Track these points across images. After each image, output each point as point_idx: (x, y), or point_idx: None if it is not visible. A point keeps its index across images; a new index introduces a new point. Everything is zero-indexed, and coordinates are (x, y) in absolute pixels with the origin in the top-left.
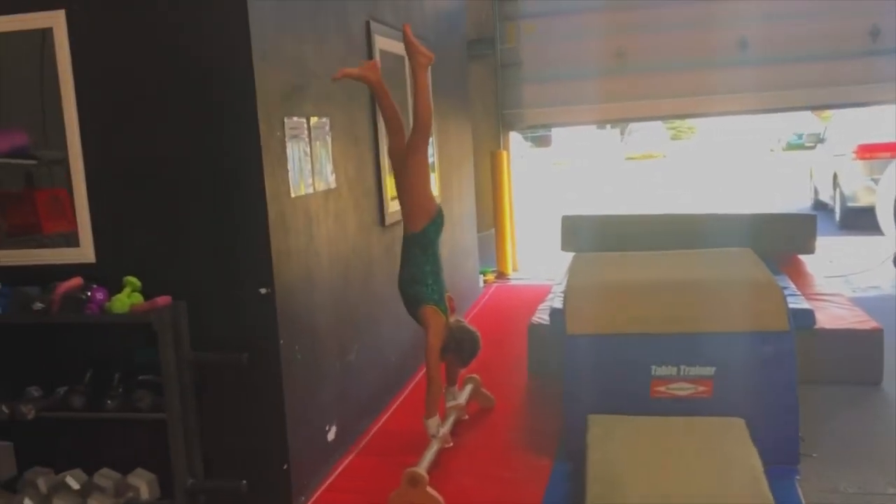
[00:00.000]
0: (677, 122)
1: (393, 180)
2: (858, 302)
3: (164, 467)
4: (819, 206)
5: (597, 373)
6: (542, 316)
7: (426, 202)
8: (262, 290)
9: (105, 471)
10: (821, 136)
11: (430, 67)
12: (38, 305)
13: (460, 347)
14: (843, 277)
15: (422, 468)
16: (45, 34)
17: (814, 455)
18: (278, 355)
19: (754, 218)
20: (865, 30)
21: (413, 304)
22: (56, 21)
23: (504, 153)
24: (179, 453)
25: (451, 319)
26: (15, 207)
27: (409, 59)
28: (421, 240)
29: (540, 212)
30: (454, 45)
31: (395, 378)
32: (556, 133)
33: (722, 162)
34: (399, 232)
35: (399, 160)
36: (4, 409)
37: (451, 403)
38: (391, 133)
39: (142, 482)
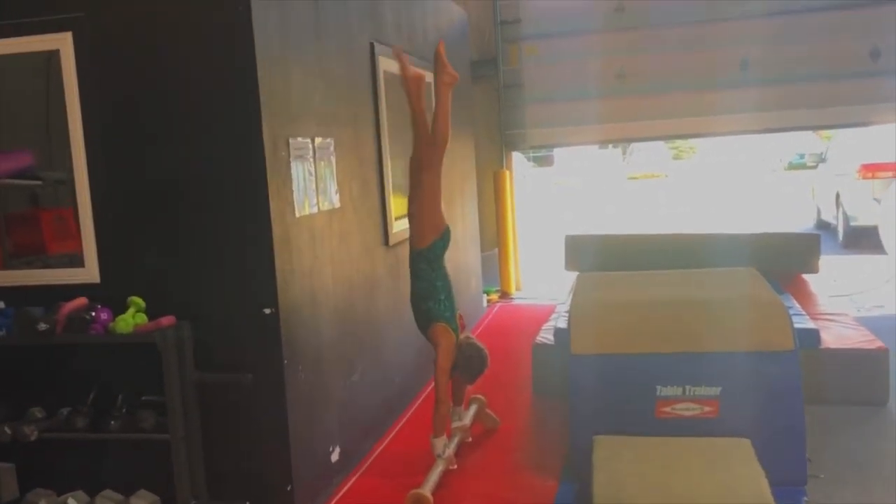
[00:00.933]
0: (679, 142)
1: (398, 200)
2: (863, 321)
3: (168, 488)
4: (822, 225)
5: (602, 393)
6: (546, 336)
7: (437, 218)
8: (266, 311)
9: (107, 492)
10: (822, 156)
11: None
12: (43, 326)
13: (469, 364)
14: (847, 297)
15: (426, 490)
16: (52, 56)
17: (821, 476)
18: (282, 376)
19: (757, 237)
20: (866, 51)
21: (425, 320)
22: (63, 43)
23: (507, 173)
24: (183, 474)
25: (461, 336)
26: (20, 228)
27: (436, 76)
28: (427, 255)
29: (543, 231)
30: (457, 67)
31: (399, 399)
32: (559, 153)
33: (724, 182)
34: (403, 252)
35: (417, 172)
36: (7, 430)
37: (456, 424)
38: (417, 141)
39: None
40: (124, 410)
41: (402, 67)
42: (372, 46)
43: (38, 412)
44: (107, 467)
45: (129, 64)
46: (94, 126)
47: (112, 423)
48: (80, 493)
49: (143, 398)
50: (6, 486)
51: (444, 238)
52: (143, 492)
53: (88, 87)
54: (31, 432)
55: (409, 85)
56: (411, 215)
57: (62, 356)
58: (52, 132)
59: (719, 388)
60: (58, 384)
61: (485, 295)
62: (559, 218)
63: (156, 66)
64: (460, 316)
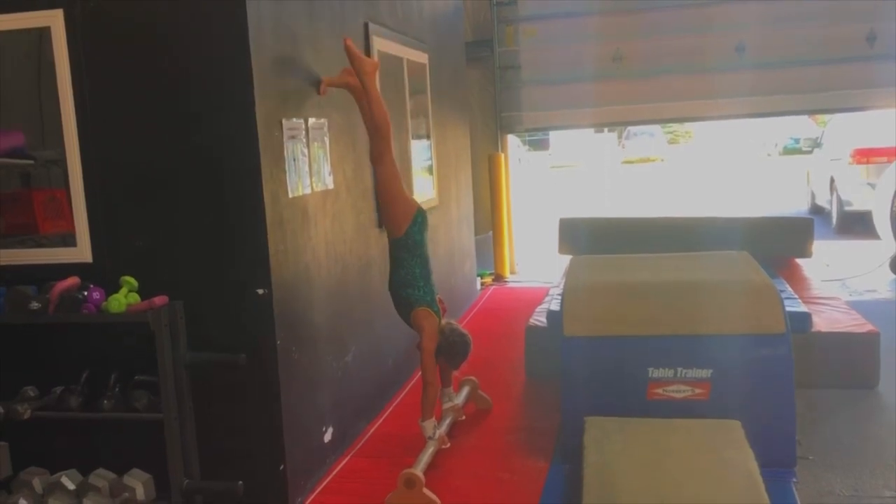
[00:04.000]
0: (675, 127)
1: None
2: (855, 306)
3: (160, 468)
4: (816, 210)
5: (593, 375)
6: (539, 318)
7: (403, 205)
8: (260, 291)
9: (101, 471)
10: (818, 141)
11: (377, 74)
12: (35, 305)
13: (453, 350)
14: (839, 281)
15: (418, 469)
16: (43, 33)
17: (810, 458)
18: (275, 356)
19: (751, 221)
20: (862, 35)
21: (405, 307)
22: (54, 20)
23: (502, 156)
24: (176, 454)
25: (443, 322)
26: (12, 207)
27: (355, 69)
28: (406, 243)
29: (537, 214)
30: (452, 48)
31: (392, 380)
32: (554, 136)
33: (719, 166)
34: None
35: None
36: (0, 408)
37: (447, 404)
38: (370, 138)
39: (138, 483)
40: (117, 390)
41: (355, 56)
42: (366, 27)
43: (31, 391)
44: (100, 446)
45: (122, 42)
46: (86, 105)
47: (105, 402)
48: (74, 472)
49: (136, 378)
50: (0, 465)
51: (417, 221)
52: (136, 471)
53: (80, 65)
54: (25, 411)
55: (366, 74)
56: (380, 208)
57: (55, 335)
58: (45, 111)
59: (710, 371)
60: (50, 363)
61: (479, 278)
62: (556, 201)
63: (148, 44)
64: (440, 300)
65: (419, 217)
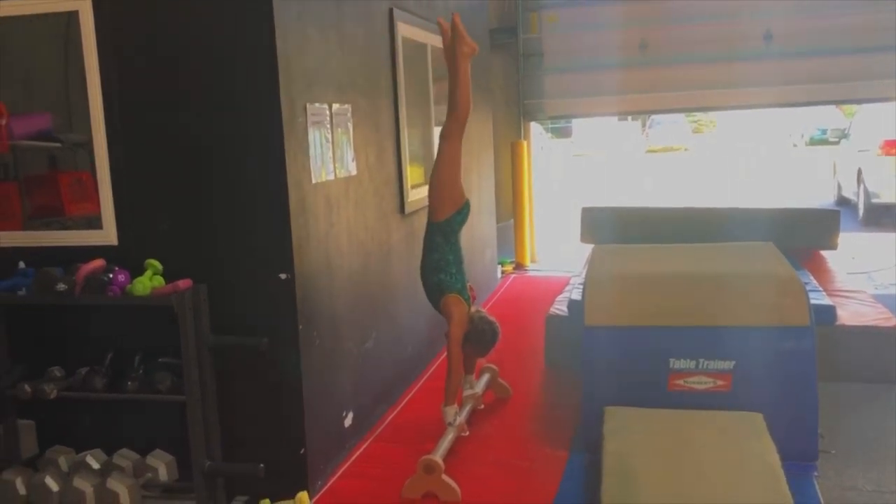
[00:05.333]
0: (699, 115)
1: (414, 168)
2: (881, 299)
3: (183, 449)
4: (842, 201)
5: (614, 365)
6: (560, 307)
7: (455, 192)
8: (282, 276)
9: (124, 451)
10: (845, 132)
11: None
12: (61, 286)
13: (481, 337)
14: (865, 274)
15: (437, 456)
16: (71, 17)
17: (832, 452)
18: (297, 340)
19: (776, 212)
20: (892, 24)
21: (436, 292)
22: (82, 4)
23: (524, 143)
24: (198, 435)
25: (472, 309)
26: (39, 189)
27: (456, 47)
28: (444, 228)
29: (559, 203)
30: (476, 34)
31: (412, 366)
32: (577, 124)
33: (744, 156)
34: (419, 221)
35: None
36: (27, 388)
37: (467, 392)
38: (447, 116)
39: (160, 463)
40: (141, 371)
41: (461, 35)
42: (391, 12)
43: (57, 371)
44: (124, 427)
45: (148, 27)
46: (113, 89)
47: (129, 383)
48: (98, 451)
49: (160, 360)
50: (27, 443)
51: (461, 212)
52: (158, 451)
53: (107, 49)
54: (51, 391)
55: (463, 55)
56: (430, 187)
57: (80, 317)
58: (72, 95)
59: (733, 363)
60: (76, 344)
61: (499, 266)
62: (578, 190)
63: (174, 29)
64: (471, 287)
65: (465, 208)
